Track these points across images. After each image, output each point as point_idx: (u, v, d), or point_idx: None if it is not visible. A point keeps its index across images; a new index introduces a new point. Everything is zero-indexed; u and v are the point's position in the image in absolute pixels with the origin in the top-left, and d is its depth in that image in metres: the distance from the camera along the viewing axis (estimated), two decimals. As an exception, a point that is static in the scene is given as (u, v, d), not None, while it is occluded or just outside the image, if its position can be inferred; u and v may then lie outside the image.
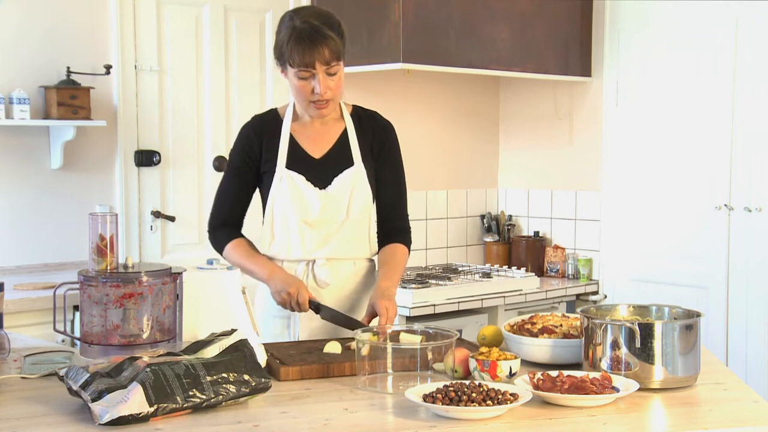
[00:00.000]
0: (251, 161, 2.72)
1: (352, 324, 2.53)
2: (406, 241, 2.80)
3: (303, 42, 2.52)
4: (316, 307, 2.56)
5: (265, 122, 2.76)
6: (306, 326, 2.67)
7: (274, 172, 2.67)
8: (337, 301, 2.68)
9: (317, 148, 2.71)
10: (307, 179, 2.66)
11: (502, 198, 5.61)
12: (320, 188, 2.66)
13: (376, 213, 2.78)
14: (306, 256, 2.67)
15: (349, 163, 2.69)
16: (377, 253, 2.80)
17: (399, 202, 2.81)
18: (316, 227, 2.67)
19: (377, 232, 2.78)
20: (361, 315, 2.70)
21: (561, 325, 2.38)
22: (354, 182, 2.68)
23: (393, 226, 2.79)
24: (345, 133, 2.73)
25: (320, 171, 2.68)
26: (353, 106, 2.81)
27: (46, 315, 3.16)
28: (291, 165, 2.68)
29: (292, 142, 2.70)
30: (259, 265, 2.64)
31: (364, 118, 2.79)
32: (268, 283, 2.61)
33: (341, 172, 2.68)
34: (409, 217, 2.85)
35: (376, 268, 2.81)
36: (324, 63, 2.54)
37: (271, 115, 2.79)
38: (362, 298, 2.75)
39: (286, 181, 2.66)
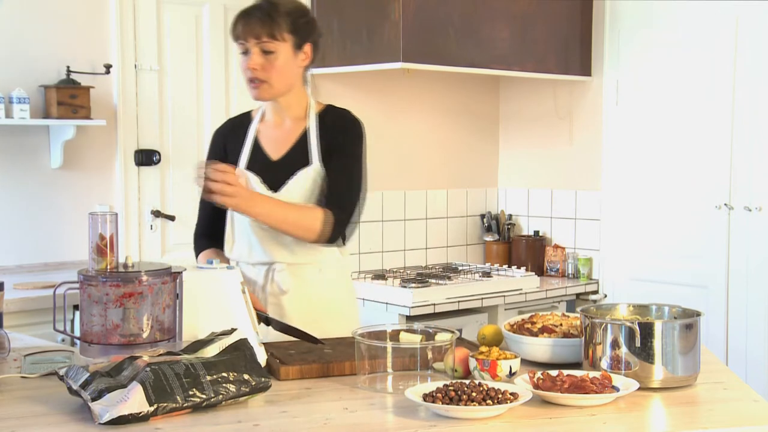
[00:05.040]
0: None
1: (306, 338, 2.40)
2: (330, 217, 2.53)
3: (241, 15, 2.54)
4: (266, 320, 2.43)
5: (233, 125, 2.76)
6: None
7: None
8: (299, 309, 2.61)
9: (276, 149, 2.66)
10: (263, 181, 2.61)
11: (502, 197, 5.61)
12: (273, 190, 2.59)
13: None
14: (266, 259, 2.62)
15: (306, 164, 2.60)
16: (345, 254, 2.73)
17: (338, 192, 2.58)
18: (271, 230, 2.59)
19: None
20: (330, 324, 2.59)
21: (561, 325, 2.38)
22: (308, 184, 2.58)
23: (329, 203, 2.57)
24: (306, 133, 2.65)
25: (275, 173, 2.61)
26: (326, 105, 2.73)
27: (46, 314, 3.16)
28: (250, 166, 2.65)
29: (255, 143, 2.68)
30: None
31: (330, 117, 2.68)
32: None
33: (296, 173, 2.59)
34: (358, 217, 2.65)
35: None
36: (254, 37, 2.51)
37: (242, 117, 2.78)
38: (330, 307, 2.67)
39: (242, 182, 2.59)
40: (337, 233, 2.58)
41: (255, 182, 2.62)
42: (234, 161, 2.67)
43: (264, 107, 2.73)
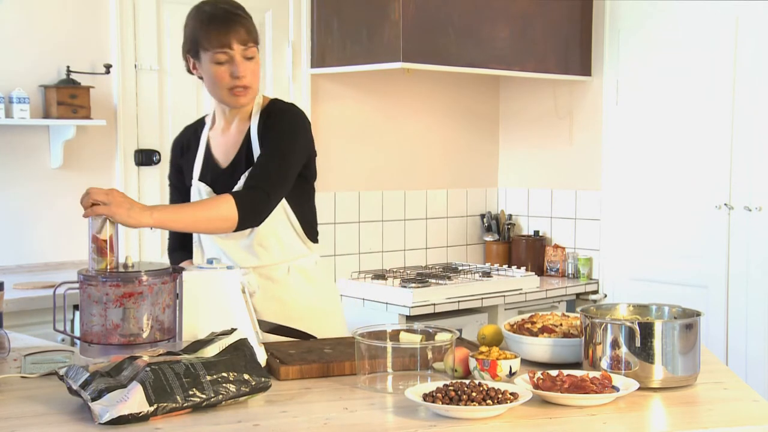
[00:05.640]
0: (180, 175, 2.70)
1: (295, 334, 2.41)
2: (249, 197, 2.42)
3: (218, 22, 2.47)
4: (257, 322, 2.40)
5: (189, 133, 2.73)
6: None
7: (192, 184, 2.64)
8: (269, 310, 2.60)
9: (225, 156, 2.62)
10: (214, 191, 2.57)
11: (502, 197, 5.61)
12: None
13: (292, 208, 2.60)
14: (233, 265, 2.57)
15: (251, 166, 2.52)
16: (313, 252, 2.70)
17: (264, 167, 2.48)
18: (231, 238, 2.58)
19: None
20: (310, 323, 2.59)
21: (561, 325, 2.38)
22: None
23: (246, 184, 2.48)
24: (248, 134, 2.59)
25: (226, 181, 2.55)
26: (270, 100, 2.64)
27: (46, 314, 3.16)
28: (202, 176, 2.62)
29: (207, 151, 2.64)
30: None
31: (271, 112, 2.59)
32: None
33: (241, 178, 2.51)
34: (273, 186, 2.47)
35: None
36: (241, 43, 2.47)
37: (197, 123, 2.75)
38: (306, 306, 2.66)
39: (196, 194, 2.60)
40: (262, 212, 2.45)
41: (206, 193, 2.59)
42: (189, 172, 2.65)
43: (213, 112, 2.68)
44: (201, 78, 2.61)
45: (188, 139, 2.73)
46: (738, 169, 4.56)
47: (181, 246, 2.76)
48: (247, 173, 2.52)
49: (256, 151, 2.55)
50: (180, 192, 2.72)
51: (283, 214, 2.60)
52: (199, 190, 2.61)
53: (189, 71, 2.62)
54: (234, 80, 2.50)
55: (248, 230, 2.56)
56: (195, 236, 2.68)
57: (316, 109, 4.74)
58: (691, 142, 4.73)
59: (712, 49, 4.63)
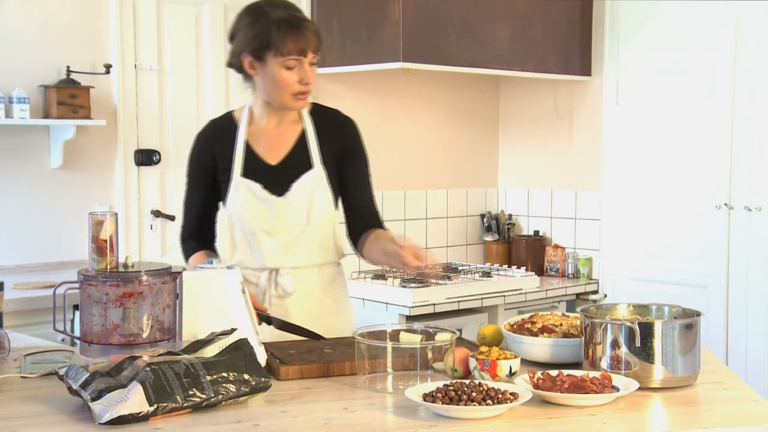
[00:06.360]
0: (207, 171, 2.67)
1: (307, 334, 2.45)
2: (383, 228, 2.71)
3: (297, 29, 2.48)
4: (267, 319, 2.44)
5: (219, 129, 2.69)
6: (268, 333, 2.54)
7: (231, 180, 2.61)
8: (302, 309, 2.62)
9: (273, 153, 2.63)
10: (264, 187, 2.59)
11: (502, 197, 5.61)
12: (278, 195, 2.59)
13: (344, 214, 2.71)
14: (269, 265, 2.61)
15: (308, 167, 2.61)
16: (345, 255, 2.74)
17: (368, 201, 2.72)
18: (277, 235, 2.60)
19: (350, 233, 2.71)
20: (328, 322, 2.62)
21: (561, 325, 2.38)
22: (313, 187, 2.60)
23: (366, 223, 2.69)
24: (303, 135, 2.64)
25: (277, 178, 2.59)
26: (312, 103, 2.70)
27: (46, 314, 3.16)
28: (247, 173, 2.60)
29: (248, 148, 2.63)
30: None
31: (324, 117, 2.69)
32: None
33: (299, 177, 2.60)
34: (383, 216, 2.77)
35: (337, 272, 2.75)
36: (314, 51, 2.51)
37: (225, 119, 2.71)
38: (328, 305, 2.69)
39: (242, 189, 2.59)
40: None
41: (256, 189, 2.59)
42: (225, 167, 2.63)
43: (250, 109, 2.68)
44: (246, 75, 2.60)
45: (218, 134, 2.68)
46: (738, 169, 4.56)
47: (193, 235, 2.75)
48: (312, 174, 2.60)
49: (314, 152, 2.62)
50: (200, 186, 2.70)
51: (337, 217, 2.69)
52: (248, 186, 2.59)
53: (237, 68, 2.60)
54: (302, 86, 2.53)
55: (301, 228, 2.60)
56: (224, 230, 2.65)
57: (316, 109, 4.73)
58: (691, 142, 4.73)
59: (712, 49, 4.63)
